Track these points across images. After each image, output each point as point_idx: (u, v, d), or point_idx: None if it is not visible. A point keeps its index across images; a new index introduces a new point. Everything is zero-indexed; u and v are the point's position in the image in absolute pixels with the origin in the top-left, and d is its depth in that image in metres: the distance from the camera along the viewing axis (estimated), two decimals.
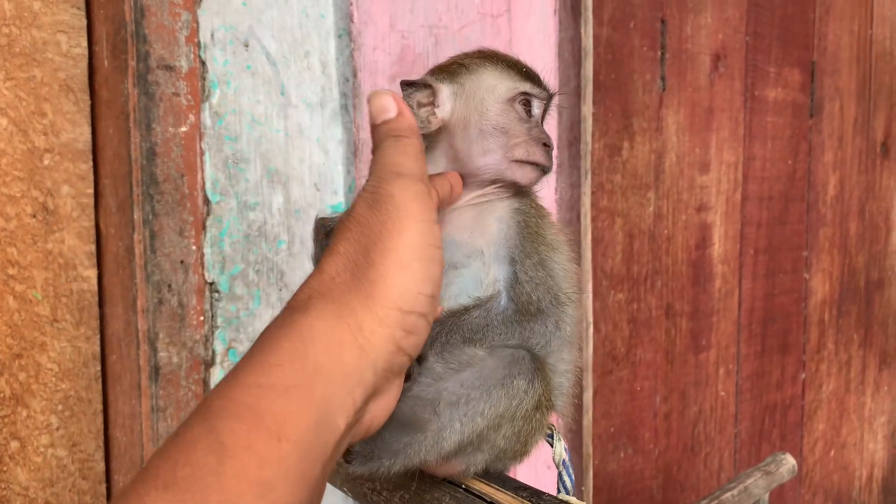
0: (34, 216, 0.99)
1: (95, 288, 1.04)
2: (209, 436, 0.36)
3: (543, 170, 0.66)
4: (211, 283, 0.98)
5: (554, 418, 0.75)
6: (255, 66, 1.00)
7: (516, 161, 0.64)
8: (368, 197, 0.48)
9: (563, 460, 0.73)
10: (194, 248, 0.97)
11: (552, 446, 0.74)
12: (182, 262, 0.96)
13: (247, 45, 0.98)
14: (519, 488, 0.64)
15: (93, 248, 1.04)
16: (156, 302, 0.95)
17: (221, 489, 0.35)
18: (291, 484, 0.37)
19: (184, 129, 0.96)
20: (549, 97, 0.70)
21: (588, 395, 1.51)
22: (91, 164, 1.03)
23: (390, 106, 0.53)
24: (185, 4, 0.94)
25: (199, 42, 0.95)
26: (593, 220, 1.64)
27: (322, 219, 0.68)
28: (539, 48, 1.37)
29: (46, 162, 1.00)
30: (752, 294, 2.18)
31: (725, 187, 2.05)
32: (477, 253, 0.65)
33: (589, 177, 1.49)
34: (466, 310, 0.62)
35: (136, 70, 0.92)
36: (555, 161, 1.45)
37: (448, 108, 0.66)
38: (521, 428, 0.61)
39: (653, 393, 1.88)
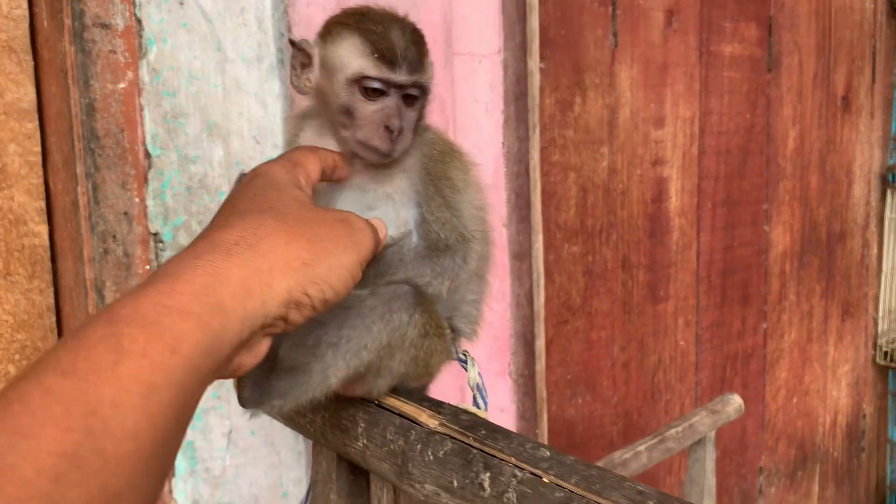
0: None
1: (47, 242, 1.08)
2: (111, 338, 0.41)
3: (385, 154, 0.66)
4: (155, 234, 1.02)
5: (468, 345, 0.81)
6: (190, 23, 1.03)
7: (359, 142, 0.67)
8: (347, 216, 0.58)
9: (477, 384, 0.78)
10: (137, 200, 1.01)
11: (466, 371, 0.79)
12: (126, 213, 1.01)
13: (182, 3, 1.01)
14: (423, 400, 0.70)
15: (43, 204, 1.08)
16: (101, 252, 0.99)
17: (115, 384, 0.39)
18: (174, 394, 0.41)
19: (122, 85, 0.99)
20: (401, 85, 0.66)
21: (540, 343, 1.57)
22: (37, 122, 1.06)
23: None
24: None
25: (134, 0, 0.98)
26: (545, 174, 1.68)
27: (244, 174, 0.72)
28: (483, 3, 1.40)
29: None
30: (710, 246, 2.24)
31: (682, 142, 2.10)
32: (388, 198, 0.70)
33: (538, 131, 1.53)
34: (384, 247, 0.67)
35: (72, 28, 0.95)
36: (501, 115, 1.50)
37: (317, 75, 0.68)
38: (415, 354, 0.67)
39: (610, 342, 1.95)
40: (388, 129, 0.65)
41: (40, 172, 1.07)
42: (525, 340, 1.54)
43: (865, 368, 3.04)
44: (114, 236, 1.00)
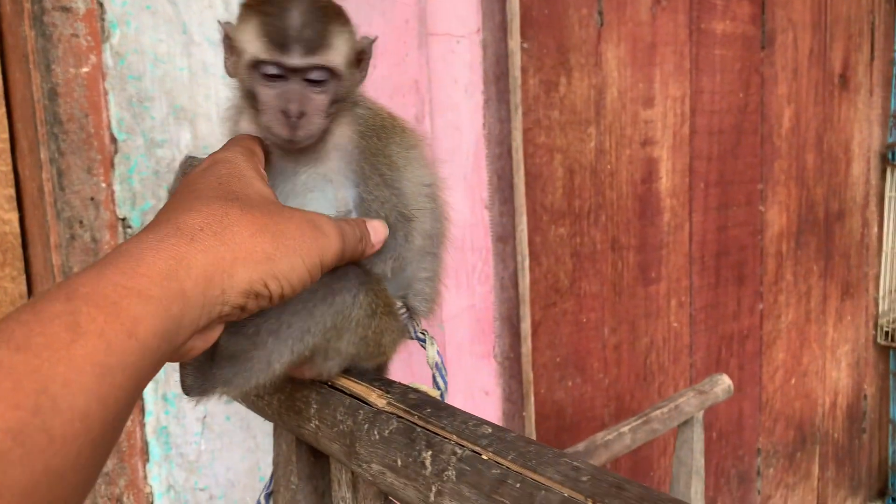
0: None
1: (18, 230, 1.08)
2: (69, 316, 0.40)
3: (289, 140, 0.64)
4: (123, 219, 1.02)
5: (426, 324, 0.80)
6: (154, 5, 1.02)
7: (265, 128, 0.65)
8: (317, 220, 0.58)
9: (437, 363, 0.78)
10: (104, 185, 1.01)
11: (425, 349, 0.79)
12: (92, 198, 1.00)
13: None
14: (374, 380, 0.69)
15: (12, 191, 1.08)
16: (68, 238, 0.98)
17: (69, 363, 0.38)
18: (128, 376, 0.41)
19: (85, 69, 0.99)
20: (298, 69, 0.63)
21: (526, 325, 1.56)
22: (4, 109, 1.06)
23: None
24: None
25: None
26: (530, 156, 1.67)
27: (191, 157, 0.71)
28: None
29: None
30: (703, 227, 2.23)
31: (672, 121, 2.07)
32: (324, 178, 0.69)
33: (519, 111, 1.52)
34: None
35: (32, 12, 0.95)
36: (481, 96, 1.48)
37: (236, 58, 0.66)
38: (364, 334, 0.66)
39: (600, 324, 1.94)
40: (285, 114, 0.63)
41: (9, 160, 1.07)
42: (510, 323, 1.53)
43: (866, 349, 3.02)
44: (80, 222, 0.99)
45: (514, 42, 1.50)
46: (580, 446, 1.30)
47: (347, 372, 0.71)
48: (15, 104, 1.05)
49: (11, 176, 1.07)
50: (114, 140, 1.01)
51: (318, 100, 0.64)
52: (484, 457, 0.56)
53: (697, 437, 1.59)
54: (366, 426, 0.65)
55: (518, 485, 0.52)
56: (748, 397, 2.51)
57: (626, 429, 1.41)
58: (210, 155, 0.61)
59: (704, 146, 2.20)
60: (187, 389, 0.68)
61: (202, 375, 0.67)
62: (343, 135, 0.69)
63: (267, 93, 0.64)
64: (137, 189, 1.03)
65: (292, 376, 0.71)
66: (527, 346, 1.57)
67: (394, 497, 0.64)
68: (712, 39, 2.18)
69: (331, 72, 0.64)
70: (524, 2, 1.59)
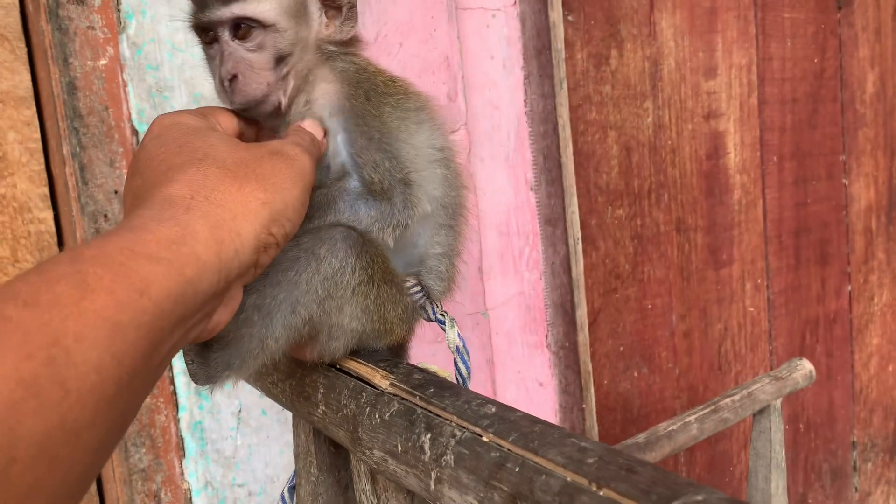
0: None
1: (53, 228, 1.09)
2: (76, 275, 0.39)
3: (239, 106, 0.61)
4: None
5: (446, 305, 0.74)
6: None
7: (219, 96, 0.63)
8: (276, 147, 0.57)
9: (458, 347, 0.72)
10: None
11: (445, 332, 0.73)
12: (116, 192, 0.99)
13: None
14: (381, 360, 0.64)
15: (46, 190, 1.08)
16: (93, 232, 0.98)
17: (79, 318, 0.37)
18: (142, 335, 0.40)
19: (103, 61, 0.98)
20: (218, 23, 0.59)
21: (582, 313, 1.48)
22: (35, 109, 1.07)
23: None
24: None
25: None
26: (581, 133, 1.58)
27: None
28: None
29: None
30: (779, 204, 2.07)
31: (738, 91, 1.94)
32: None
33: (564, 86, 1.44)
34: (312, 189, 0.62)
35: (48, 6, 0.94)
36: (521, 72, 1.41)
37: None
38: (365, 305, 0.61)
39: (667, 311, 1.82)
40: (221, 79, 0.60)
41: (41, 159, 1.08)
42: (564, 310, 1.45)
43: None
44: (105, 215, 0.99)
45: (556, 14, 1.42)
46: (640, 437, 1.21)
47: (356, 354, 0.67)
48: (44, 103, 1.06)
49: (45, 175, 1.08)
50: (135, 132, 1.00)
51: (251, 58, 0.60)
52: (484, 438, 0.49)
53: (776, 427, 1.46)
54: (367, 409, 0.60)
55: (517, 468, 0.46)
56: (839, 386, 2.32)
57: (691, 418, 1.30)
58: (155, 121, 0.58)
59: (776, 117, 2.05)
60: (195, 377, 0.65)
61: (204, 361, 0.63)
62: (325, 94, 0.64)
63: (207, 59, 0.62)
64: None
65: (297, 358, 0.67)
66: (584, 335, 1.49)
67: (399, 485, 0.59)
68: (780, 2, 2.03)
69: (258, 23, 0.59)
70: None
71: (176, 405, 1.04)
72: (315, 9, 0.63)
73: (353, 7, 0.64)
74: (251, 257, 0.50)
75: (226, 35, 0.61)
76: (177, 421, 1.04)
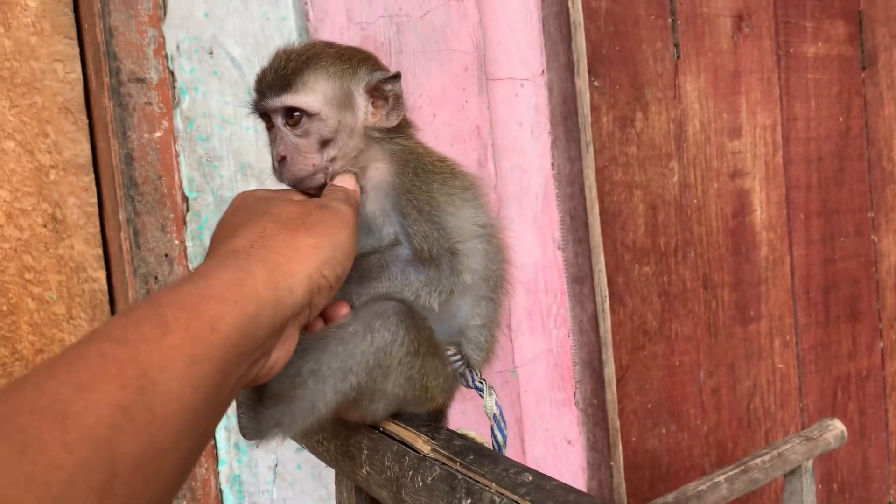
0: (45, 226, 1.11)
1: (105, 287, 1.15)
2: (157, 317, 0.46)
3: (289, 184, 0.69)
4: None
5: (487, 374, 0.77)
6: (221, 71, 1.08)
7: None
8: (322, 202, 0.64)
9: (494, 415, 0.75)
10: (177, 241, 1.05)
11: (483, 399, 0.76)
12: (166, 255, 1.05)
13: (211, 53, 1.06)
14: (422, 426, 0.67)
15: (100, 251, 1.15)
16: (144, 293, 1.03)
17: (162, 352, 0.44)
18: (215, 367, 0.46)
19: (158, 134, 1.05)
20: (271, 111, 0.67)
21: (610, 370, 1.50)
22: (93, 176, 1.14)
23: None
24: (151, 21, 1.03)
25: (166, 54, 1.04)
26: (607, 193, 1.62)
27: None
28: (521, 27, 1.39)
29: (52, 177, 1.11)
30: (806, 261, 2.08)
31: (763, 151, 1.97)
32: (368, 218, 0.70)
33: (591, 150, 1.48)
34: (367, 255, 0.67)
35: (110, 85, 1.02)
36: (549, 137, 1.47)
37: None
38: (409, 375, 0.64)
39: (695, 367, 1.83)
40: (273, 159, 0.67)
41: (97, 222, 1.14)
42: (592, 368, 1.47)
43: None
44: (155, 277, 1.04)
45: (582, 80, 1.48)
46: (669, 497, 1.21)
47: (397, 417, 0.70)
48: (102, 170, 1.13)
49: (99, 237, 1.14)
50: (185, 199, 1.06)
51: (298, 142, 0.67)
52: None
53: (807, 488, 1.45)
54: (410, 472, 0.63)
55: None
56: (874, 444, 2.28)
57: (721, 478, 1.30)
58: (235, 196, 0.67)
59: (802, 175, 2.08)
60: (244, 431, 0.69)
61: (256, 416, 0.67)
62: (379, 174, 0.69)
63: (269, 140, 0.69)
64: (208, 244, 1.07)
65: (343, 419, 0.70)
66: (612, 392, 1.50)
67: None
68: (803, 64, 2.07)
69: (304, 112, 0.66)
70: (593, 40, 1.57)
71: (216, 458, 1.07)
72: (362, 99, 0.69)
73: (398, 97, 0.69)
74: (304, 297, 0.56)
75: (279, 121, 0.67)
76: (217, 474, 1.07)
